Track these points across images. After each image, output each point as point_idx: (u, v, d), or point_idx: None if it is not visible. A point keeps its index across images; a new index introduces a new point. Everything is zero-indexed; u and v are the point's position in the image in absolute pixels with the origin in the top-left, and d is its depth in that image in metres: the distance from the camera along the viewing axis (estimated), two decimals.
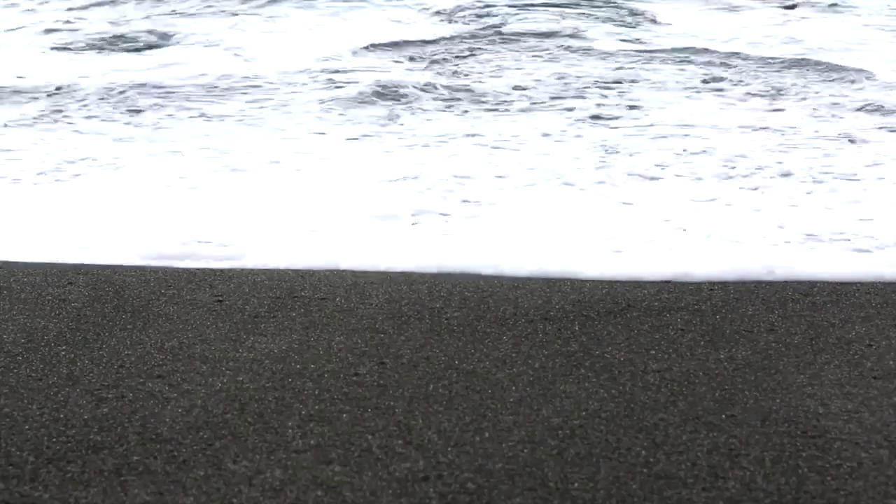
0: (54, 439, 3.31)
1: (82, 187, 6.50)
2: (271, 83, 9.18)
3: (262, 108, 8.46)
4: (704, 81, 9.12)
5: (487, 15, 11.94)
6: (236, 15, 12.12)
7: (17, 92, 9.02)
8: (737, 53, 9.99)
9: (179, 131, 7.85)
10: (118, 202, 6.15)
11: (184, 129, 7.93)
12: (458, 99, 8.60)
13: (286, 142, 7.52)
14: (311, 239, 5.48)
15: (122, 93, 8.92)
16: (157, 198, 6.23)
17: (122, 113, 8.38)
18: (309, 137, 7.64)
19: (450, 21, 11.86)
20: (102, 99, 8.76)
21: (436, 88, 8.91)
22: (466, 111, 8.27)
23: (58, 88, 9.08)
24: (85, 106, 8.58)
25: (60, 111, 8.45)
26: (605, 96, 8.62)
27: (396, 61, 9.99)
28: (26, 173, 6.78)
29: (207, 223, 5.72)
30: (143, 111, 8.40)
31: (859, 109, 8.13)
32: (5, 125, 8.10)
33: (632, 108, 8.30)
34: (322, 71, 9.61)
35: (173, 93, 8.91)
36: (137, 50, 10.78)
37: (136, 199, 6.22)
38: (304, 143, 7.46)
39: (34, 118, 8.29)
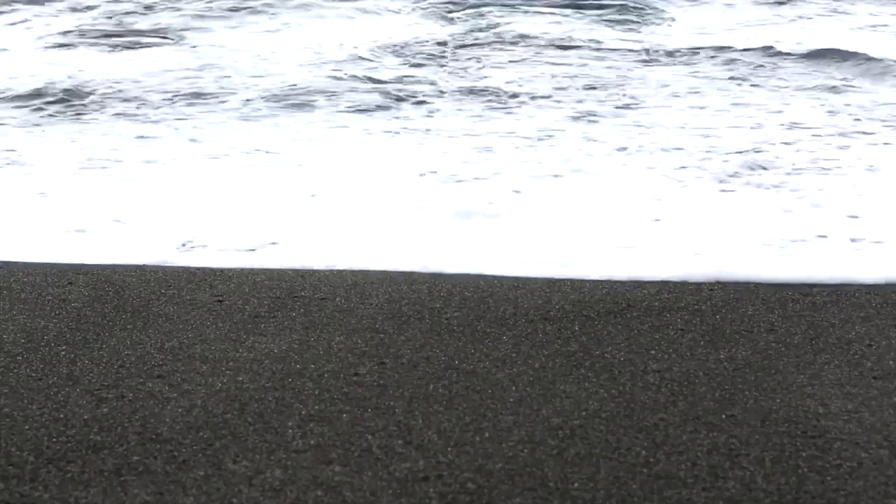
0: (54, 439, 3.31)
1: (83, 186, 6.49)
2: (275, 82, 9.19)
3: (267, 105, 8.47)
4: (709, 80, 9.12)
5: (490, 14, 11.94)
6: (240, 11, 12.13)
7: (20, 91, 9.02)
8: (742, 50, 9.99)
9: (184, 130, 7.85)
10: (119, 201, 6.15)
11: (189, 128, 7.93)
12: (459, 97, 8.60)
13: (290, 140, 7.52)
14: (312, 239, 5.48)
15: (126, 91, 8.92)
16: (160, 197, 6.22)
17: (126, 111, 8.38)
18: (311, 136, 7.64)
19: (452, 21, 11.86)
20: (107, 98, 8.77)
21: (436, 86, 8.91)
22: (467, 109, 8.27)
23: (62, 88, 9.08)
24: (89, 105, 8.58)
25: (64, 110, 8.46)
26: (608, 95, 8.62)
27: (397, 60, 9.99)
28: (28, 172, 6.78)
29: (208, 223, 5.72)
30: (148, 110, 8.40)
31: (871, 107, 8.12)
32: (8, 125, 8.10)
33: (634, 106, 8.30)
34: (325, 70, 9.62)
35: (178, 92, 8.92)
36: (143, 48, 10.79)
37: (138, 198, 6.22)
38: (306, 143, 7.46)
39: (38, 117, 8.29)
